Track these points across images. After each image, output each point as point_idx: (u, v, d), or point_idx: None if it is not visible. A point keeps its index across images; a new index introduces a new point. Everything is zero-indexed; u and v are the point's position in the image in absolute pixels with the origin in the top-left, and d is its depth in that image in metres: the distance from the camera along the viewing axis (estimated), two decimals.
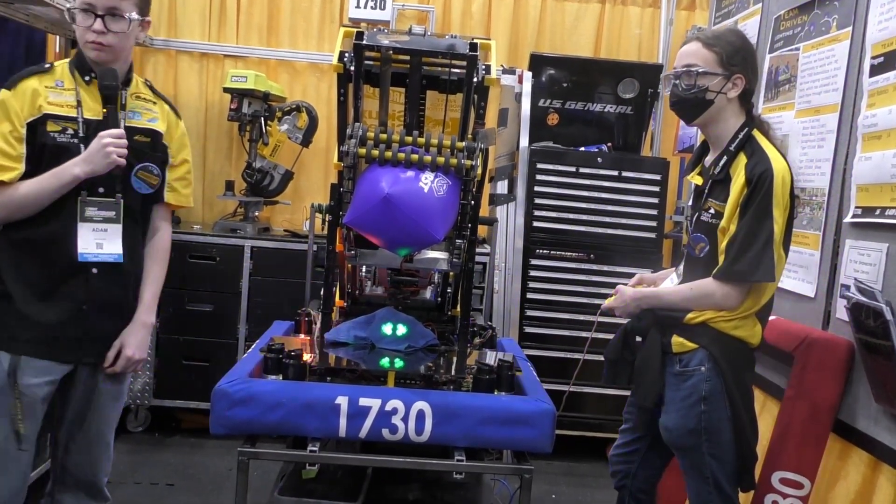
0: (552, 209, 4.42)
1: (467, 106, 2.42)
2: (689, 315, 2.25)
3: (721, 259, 2.19)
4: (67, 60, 2.35)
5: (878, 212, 2.40)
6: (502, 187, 4.53)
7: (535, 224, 4.42)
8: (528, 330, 4.43)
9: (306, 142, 4.67)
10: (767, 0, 3.36)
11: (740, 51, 2.27)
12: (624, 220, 4.42)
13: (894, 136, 2.37)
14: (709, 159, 2.35)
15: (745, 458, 2.26)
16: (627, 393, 4.47)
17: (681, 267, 2.42)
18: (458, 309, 3.02)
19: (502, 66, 4.73)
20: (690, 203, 2.45)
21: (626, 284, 4.38)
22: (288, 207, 4.95)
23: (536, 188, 4.41)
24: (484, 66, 2.39)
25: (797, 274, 2.87)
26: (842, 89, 2.71)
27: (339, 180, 2.43)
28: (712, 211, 2.25)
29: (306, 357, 2.47)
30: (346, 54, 2.38)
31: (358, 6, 4.93)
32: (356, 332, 2.74)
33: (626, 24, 5.10)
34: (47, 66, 2.32)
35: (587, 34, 5.10)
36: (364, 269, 3.06)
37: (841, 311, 2.51)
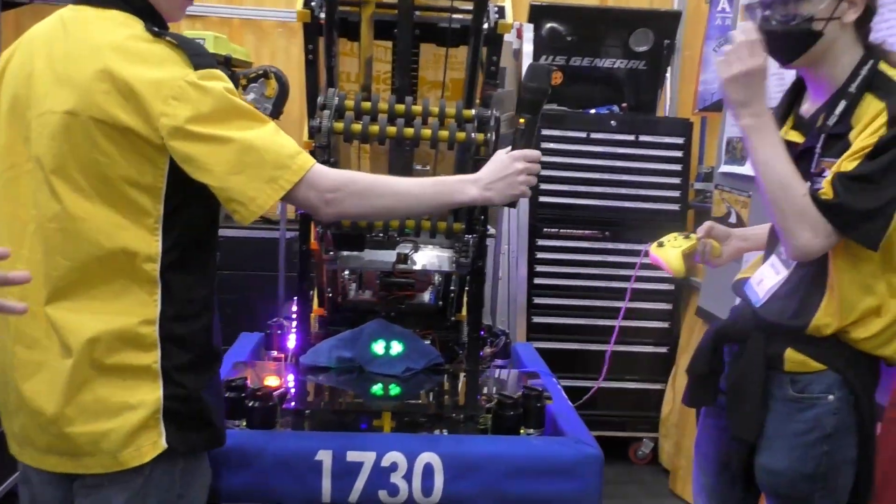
0: (560, 181, 3.86)
1: (474, 62, 1.86)
2: (817, 322, 1.64)
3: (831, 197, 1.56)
4: None
5: None
6: None
7: (542, 199, 3.86)
8: (536, 320, 3.90)
9: (277, 112, 4.06)
10: None
11: None
12: (642, 191, 3.86)
13: None
14: (808, 107, 1.74)
15: None
16: (659, 387, 4.10)
17: (781, 257, 1.76)
18: (464, 313, 2.48)
19: None
20: None
21: (645, 263, 3.81)
22: None
23: (542, 158, 3.83)
24: (496, 9, 1.82)
25: None
26: None
27: None
28: (828, 174, 1.61)
29: (277, 391, 1.93)
30: None
31: None
32: (340, 352, 2.20)
33: None
34: None
35: None
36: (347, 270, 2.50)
37: None
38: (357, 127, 1.70)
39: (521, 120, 1.66)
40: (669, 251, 1.86)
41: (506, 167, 1.61)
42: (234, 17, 4.39)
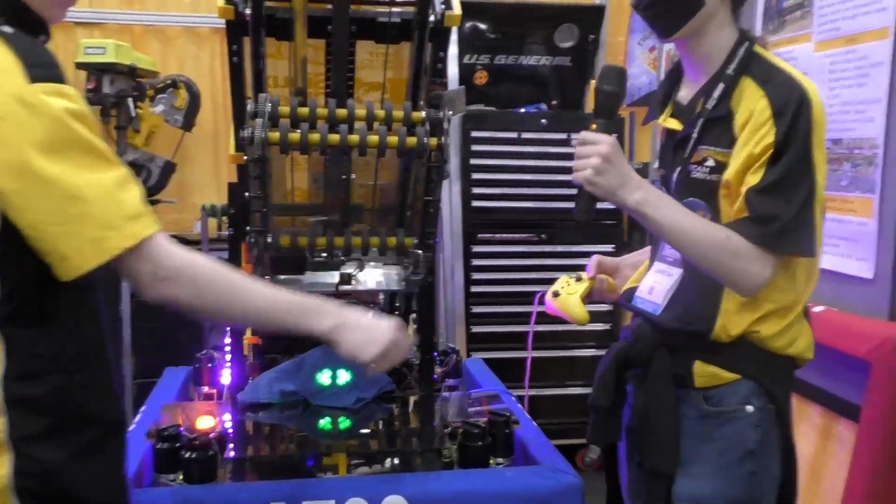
0: (492, 184, 3.71)
1: (419, 59, 1.69)
2: (722, 322, 1.51)
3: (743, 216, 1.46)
4: None
5: None
6: None
7: (475, 204, 3.71)
8: (476, 330, 3.74)
9: (188, 125, 3.83)
10: None
11: None
12: (576, 191, 3.75)
13: None
14: (686, 93, 1.62)
15: None
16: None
17: (672, 255, 1.64)
18: (410, 332, 2.30)
19: None
20: (662, 159, 1.69)
21: (583, 266, 3.70)
22: (173, 207, 4.08)
23: (472, 160, 3.70)
24: (442, 0, 1.65)
25: (840, 248, 2.27)
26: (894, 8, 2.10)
27: (240, 178, 1.67)
28: (710, 163, 1.52)
29: (216, 437, 1.71)
30: None
31: None
32: (282, 385, 1.99)
33: None
34: None
35: None
36: None
37: None
38: (295, 136, 1.51)
39: (593, 126, 1.50)
40: (568, 299, 1.71)
41: (381, 331, 1.37)
42: (135, 23, 4.09)
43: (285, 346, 2.25)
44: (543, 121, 3.75)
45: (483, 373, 2.41)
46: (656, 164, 1.70)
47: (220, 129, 4.09)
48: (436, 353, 2.29)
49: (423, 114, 1.59)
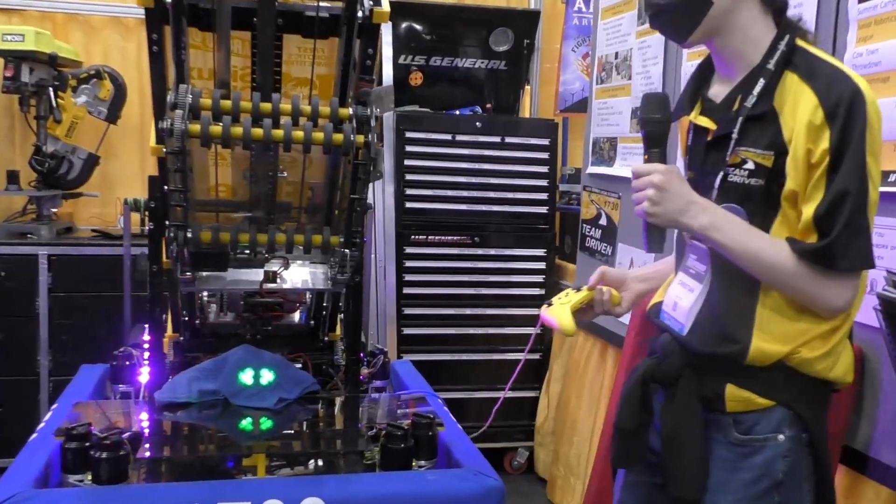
0: (426, 185, 3.70)
1: (347, 55, 1.66)
2: (757, 349, 1.42)
3: (809, 238, 1.39)
4: None
5: (891, 178, 1.85)
6: None
7: (408, 205, 3.69)
8: (407, 331, 3.72)
9: (113, 117, 3.72)
10: None
11: None
12: (510, 195, 3.76)
13: None
14: (719, 90, 1.53)
15: None
16: (533, 394, 4.01)
17: (695, 267, 1.56)
18: (338, 332, 2.28)
19: None
20: (691, 161, 1.60)
21: (515, 270, 3.65)
22: (96, 200, 3.95)
23: (406, 161, 3.68)
24: None
25: None
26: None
27: (160, 171, 1.61)
28: (749, 165, 1.42)
29: (129, 436, 1.65)
30: None
31: None
32: (201, 384, 1.94)
33: None
34: None
35: None
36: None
37: None
38: (217, 129, 1.47)
39: (645, 157, 1.47)
40: (559, 309, 1.67)
41: None
42: (57, 11, 3.93)
43: (208, 344, 2.20)
44: (478, 124, 3.75)
45: (411, 375, 2.38)
46: (691, 159, 1.59)
47: (146, 122, 3.97)
48: (363, 354, 2.27)
49: (351, 110, 1.56)
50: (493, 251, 3.76)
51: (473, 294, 3.76)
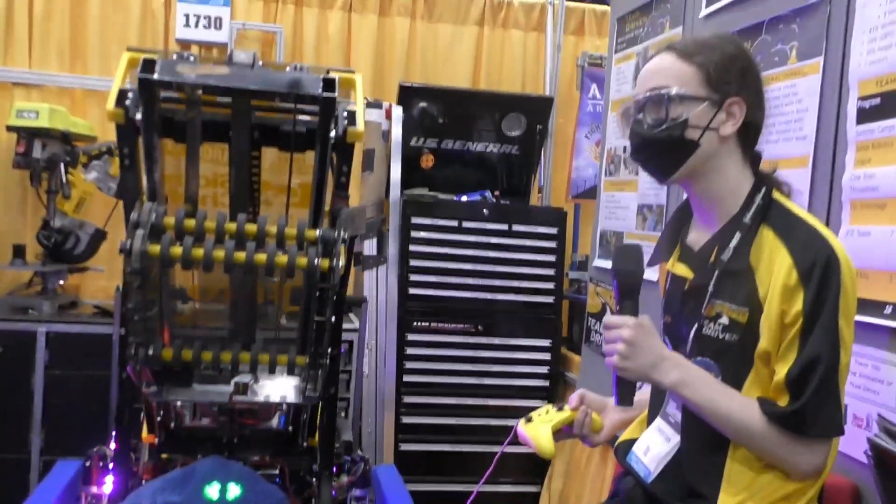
0: (431, 272, 3.65)
1: (322, 171, 1.63)
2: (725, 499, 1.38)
3: (780, 399, 1.36)
4: None
5: (887, 309, 1.76)
6: (370, 247, 3.72)
7: (412, 291, 3.63)
8: (407, 420, 3.63)
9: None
10: (692, 24, 2.73)
11: (735, 61, 1.46)
12: (516, 283, 3.71)
13: None
14: (696, 237, 1.54)
15: None
16: (534, 489, 3.86)
17: (674, 416, 1.50)
18: (317, 438, 2.20)
19: (367, 98, 3.95)
20: (668, 305, 1.59)
21: (520, 360, 3.58)
22: (102, 275, 3.95)
23: (412, 247, 3.64)
24: (346, 114, 1.60)
25: None
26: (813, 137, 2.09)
27: (124, 287, 1.58)
28: (724, 320, 1.41)
29: None
30: (131, 94, 1.54)
31: (187, 24, 4.04)
32: (165, 497, 1.86)
33: (508, 50, 4.43)
34: None
35: (464, 61, 4.40)
36: None
37: None
38: (177, 251, 1.43)
39: (616, 309, 1.47)
40: (539, 427, 1.62)
41: None
42: (76, 87, 3.99)
43: (183, 446, 2.14)
44: (485, 211, 3.71)
45: (393, 485, 2.29)
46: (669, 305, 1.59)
47: None
48: (347, 456, 2.20)
49: (318, 232, 1.51)
50: (497, 340, 3.70)
51: (476, 384, 3.68)
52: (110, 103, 1.51)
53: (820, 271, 1.30)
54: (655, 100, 1.44)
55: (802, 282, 1.31)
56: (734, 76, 1.44)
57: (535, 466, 3.69)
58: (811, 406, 1.30)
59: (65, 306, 3.67)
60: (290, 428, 2.21)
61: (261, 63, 1.54)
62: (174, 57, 1.53)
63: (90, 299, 3.93)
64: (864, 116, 1.91)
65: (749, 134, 1.48)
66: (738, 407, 1.36)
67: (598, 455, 3.20)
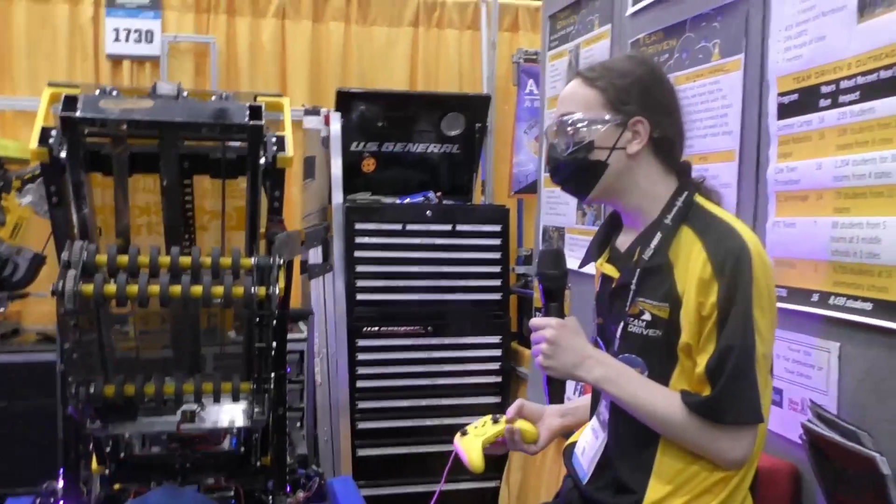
0: (378, 276, 3.65)
1: (254, 197, 1.63)
2: (651, 498, 1.41)
3: (703, 391, 1.39)
4: None
5: (814, 297, 1.82)
6: (315, 255, 3.71)
7: (360, 297, 3.63)
8: (363, 426, 3.64)
9: None
10: (620, 22, 2.77)
11: (636, 82, 1.51)
12: (463, 282, 3.72)
13: (828, 197, 1.80)
14: (623, 239, 1.60)
15: None
16: (493, 485, 3.90)
17: (604, 414, 1.55)
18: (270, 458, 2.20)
19: (304, 106, 3.94)
20: (599, 306, 1.64)
21: (472, 358, 3.60)
22: (44, 300, 3.87)
23: (357, 253, 3.64)
24: (274, 140, 1.60)
25: None
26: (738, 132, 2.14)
27: (59, 327, 1.56)
28: (647, 317, 1.46)
29: None
30: (55, 132, 1.52)
31: (117, 39, 3.98)
32: None
33: (443, 50, 4.44)
34: None
35: (401, 63, 4.40)
36: None
37: None
38: (111, 289, 1.43)
39: (542, 311, 1.54)
40: (471, 442, 1.62)
41: None
42: (5, 108, 3.90)
43: (135, 475, 2.12)
44: (428, 213, 3.72)
45: (349, 494, 2.31)
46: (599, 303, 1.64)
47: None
48: (301, 469, 2.21)
49: (253, 260, 1.52)
50: (448, 340, 3.71)
51: (429, 385, 3.69)
52: (33, 142, 1.50)
53: (732, 264, 1.36)
54: (563, 125, 1.52)
55: (716, 275, 1.36)
56: (635, 97, 1.50)
57: (493, 462, 3.71)
58: (726, 394, 1.34)
59: (6, 335, 3.59)
60: (243, 449, 2.21)
61: (185, 93, 1.54)
62: (97, 92, 1.52)
63: (33, 325, 3.86)
64: (784, 112, 1.96)
65: (664, 147, 1.53)
66: (661, 400, 1.41)
67: (553, 448, 3.24)
